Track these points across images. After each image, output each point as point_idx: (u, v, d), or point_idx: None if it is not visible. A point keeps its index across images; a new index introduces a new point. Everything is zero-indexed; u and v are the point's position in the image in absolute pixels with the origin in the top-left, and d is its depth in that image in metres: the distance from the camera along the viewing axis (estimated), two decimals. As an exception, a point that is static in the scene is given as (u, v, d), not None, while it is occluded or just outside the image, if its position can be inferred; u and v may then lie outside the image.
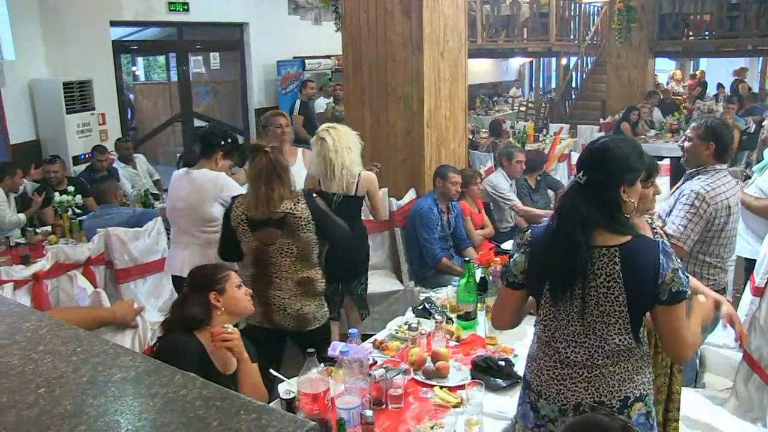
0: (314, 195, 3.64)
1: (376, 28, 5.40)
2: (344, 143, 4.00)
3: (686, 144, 3.56)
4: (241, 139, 10.33)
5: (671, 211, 3.48)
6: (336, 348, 2.95)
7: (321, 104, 9.63)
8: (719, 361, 3.86)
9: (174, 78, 10.87)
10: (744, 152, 9.13)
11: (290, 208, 3.33)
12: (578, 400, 2.16)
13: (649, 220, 2.84)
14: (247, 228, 3.40)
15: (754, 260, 3.93)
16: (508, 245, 4.86)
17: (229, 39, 10.63)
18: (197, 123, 10.26)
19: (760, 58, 17.33)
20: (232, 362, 2.70)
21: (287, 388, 2.74)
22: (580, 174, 2.13)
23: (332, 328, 4.21)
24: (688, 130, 3.63)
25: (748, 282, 4.09)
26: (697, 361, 3.99)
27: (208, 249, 4.00)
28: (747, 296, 4.04)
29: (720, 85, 16.40)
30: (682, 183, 3.55)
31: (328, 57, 11.05)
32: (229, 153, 4.16)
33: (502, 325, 2.50)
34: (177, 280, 4.13)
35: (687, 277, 2.11)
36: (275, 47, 10.68)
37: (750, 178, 4.71)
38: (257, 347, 2.90)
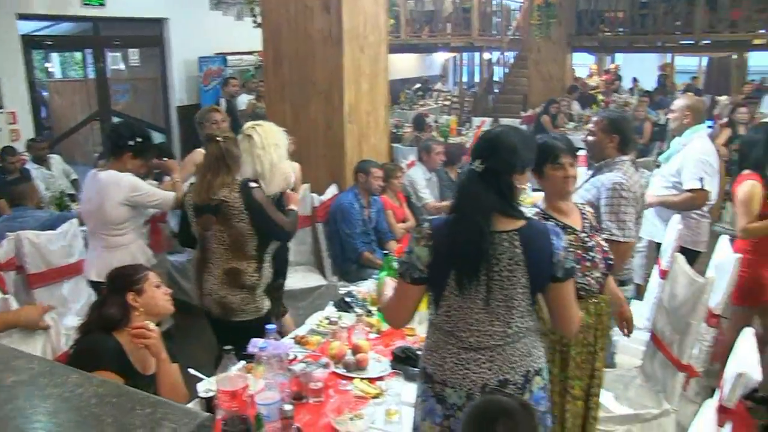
0: (255, 185, 3.59)
1: (296, 23, 5.39)
2: (271, 140, 3.95)
3: (590, 138, 3.63)
4: (162, 137, 10.15)
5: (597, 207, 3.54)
6: (255, 344, 2.95)
7: (243, 101, 9.52)
8: (629, 342, 4.02)
9: (91, 75, 10.55)
10: (655, 143, 9.51)
11: (225, 196, 3.38)
12: (484, 381, 2.21)
13: (580, 207, 2.92)
14: (192, 213, 3.52)
15: (658, 244, 4.11)
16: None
17: (148, 35, 10.37)
18: (116, 121, 10.00)
19: (669, 54, 18.07)
20: (152, 363, 2.66)
21: (207, 386, 2.72)
22: (477, 162, 2.19)
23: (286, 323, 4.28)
24: (591, 125, 3.72)
25: (656, 265, 4.28)
26: (613, 343, 4.15)
27: (116, 252, 3.95)
28: (655, 279, 4.22)
29: (635, 80, 17.04)
30: (592, 177, 3.63)
31: (251, 53, 10.91)
32: (139, 153, 4.03)
33: (401, 323, 2.46)
34: (93, 284, 4.03)
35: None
36: (197, 43, 10.48)
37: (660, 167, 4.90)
38: (220, 338, 2.92)
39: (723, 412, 2.24)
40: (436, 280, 2.23)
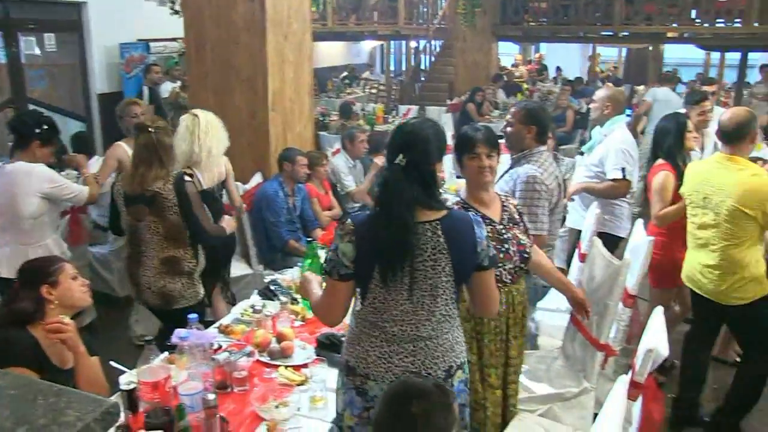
0: (188, 179, 3.60)
1: (218, 9, 5.31)
2: (214, 130, 3.86)
3: (509, 129, 3.66)
4: (82, 126, 9.83)
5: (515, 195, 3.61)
6: (178, 335, 2.92)
7: (167, 89, 9.32)
8: (551, 324, 4.15)
9: (2, 60, 10.10)
10: (578, 131, 9.78)
11: (160, 188, 3.40)
12: (405, 374, 2.24)
13: (503, 198, 2.96)
14: (122, 202, 3.49)
15: (579, 231, 4.26)
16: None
17: (65, 19, 10.00)
18: (33, 109, 9.61)
19: (591, 45, 18.60)
20: (70, 356, 2.60)
21: (128, 379, 2.68)
22: (400, 157, 2.21)
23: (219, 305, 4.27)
24: (509, 116, 3.76)
25: (576, 250, 4.43)
26: (533, 325, 4.26)
27: (30, 248, 3.85)
28: (576, 263, 4.37)
29: (558, 69, 17.45)
30: (511, 168, 3.67)
31: (174, 39, 10.66)
32: (47, 141, 3.93)
33: (335, 320, 2.41)
34: (3, 282, 3.88)
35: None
36: (117, 29, 10.15)
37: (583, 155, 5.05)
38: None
39: (635, 386, 2.35)
40: (362, 274, 2.24)
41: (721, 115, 3.86)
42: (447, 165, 6.40)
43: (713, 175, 3.58)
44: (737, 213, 3.41)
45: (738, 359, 4.48)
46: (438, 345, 2.29)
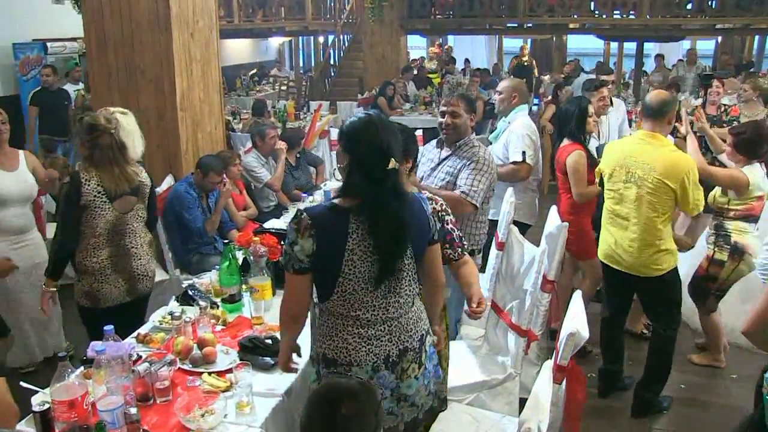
0: None
1: (120, 6, 5.10)
2: (135, 131, 3.74)
3: (455, 120, 3.83)
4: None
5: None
6: (93, 348, 2.79)
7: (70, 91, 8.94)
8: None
9: None
10: (487, 121, 9.94)
11: (142, 178, 3.64)
12: (386, 353, 2.34)
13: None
14: (105, 199, 3.46)
15: (496, 221, 4.32)
16: (270, 224, 4.88)
17: (-50, 18, 9.46)
18: None
19: (496, 36, 19.02)
20: None
21: (41, 398, 2.55)
22: (393, 162, 2.26)
23: None
24: (446, 107, 3.90)
25: (493, 239, 4.50)
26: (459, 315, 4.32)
27: None
28: (493, 252, 4.43)
29: (467, 60, 17.71)
30: (450, 156, 3.89)
31: (74, 39, 10.23)
32: None
33: (300, 313, 2.42)
34: None
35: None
36: (10, 28, 9.67)
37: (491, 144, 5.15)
38: (121, 326, 2.97)
39: (559, 370, 2.41)
40: (326, 268, 2.27)
41: (647, 95, 4.18)
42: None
43: (637, 151, 3.81)
44: (661, 186, 3.66)
45: (645, 331, 4.90)
46: (409, 319, 2.40)
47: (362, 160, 2.26)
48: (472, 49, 20.06)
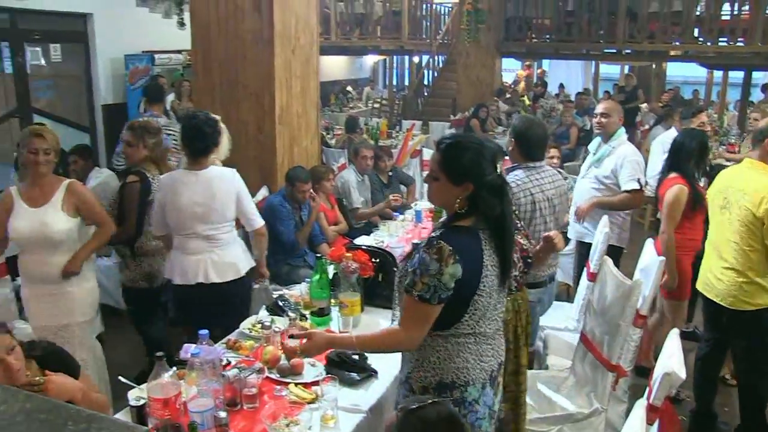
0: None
1: (227, 24, 5.32)
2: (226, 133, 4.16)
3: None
4: (86, 137, 9.82)
5: None
6: (187, 350, 2.89)
7: (169, 100, 9.32)
8: (560, 344, 4.12)
9: (8, 70, 10.11)
10: (581, 148, 9.76)
11: None
12: (492, 368, 2.40)
13: None
14: None
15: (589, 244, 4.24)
16: (360, 240, 4.93)
17: (71, 30, 10.03)
18: (37, 119, 9.60)
19: (593, 62, 18.64)
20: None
21: (137, 394, 2.65)
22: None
23: None
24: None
25: (585, 268, 4.40)
26: (541, 344, 4.24)
27: None
28: (584, 282, 4.34)
29: (561, 86, 17.43)
30: None
31: (179, 52, 10.70)
32: None
33: (419, 343, 2.35)
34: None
35: None
36: (123, 41, 10.18)
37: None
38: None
39: (652, 410, 2.33)
40: (466, 289, 2.27)
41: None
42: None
43: (738, 178, 3.70)
44: (748, 214, 3.52)
45: (728, 377, 4.58)
46: (502, 335, 2.50)
47: (486, 182, 2.29)
48: (567, 74, 19.73)
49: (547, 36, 14.31)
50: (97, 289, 3.98)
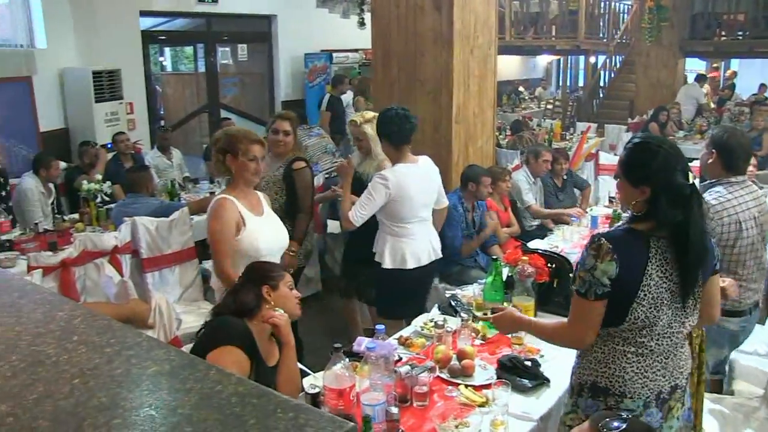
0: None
1: (406, 22, 5.38)
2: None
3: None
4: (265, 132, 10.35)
5: None
6: (361, 344, 2.94)
7: (348, 98, 9.62)
8: (749, 369, 3.79)
9: (201, 69, 10.89)
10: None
11: None
12: (660, 388, 2.27)
13: None
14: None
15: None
16: (533, 244, 4.80)
17: (257, 31, 10.64)
18: (224, 114, 10.27)
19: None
20: (275, 355, 2.72)
21: (312, 382, 2.73)
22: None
23: None
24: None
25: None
26: (726, 367, 3.92)
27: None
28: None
29: (762, 86, 15.95)
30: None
31: (356, 51, 11.02)
32: None
33: (588, 342, 2.33)
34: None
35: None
36: (303, 40, 10.67)
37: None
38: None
39: None
40: (623, 292, 2.20)
41: None
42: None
43: None
44: None
45: None
46: (682, 354, 2.34)
47: (667, 186, 2.17)
48: (762, 75, 18.14)
49: (740, 32, 13.28)
50: None
